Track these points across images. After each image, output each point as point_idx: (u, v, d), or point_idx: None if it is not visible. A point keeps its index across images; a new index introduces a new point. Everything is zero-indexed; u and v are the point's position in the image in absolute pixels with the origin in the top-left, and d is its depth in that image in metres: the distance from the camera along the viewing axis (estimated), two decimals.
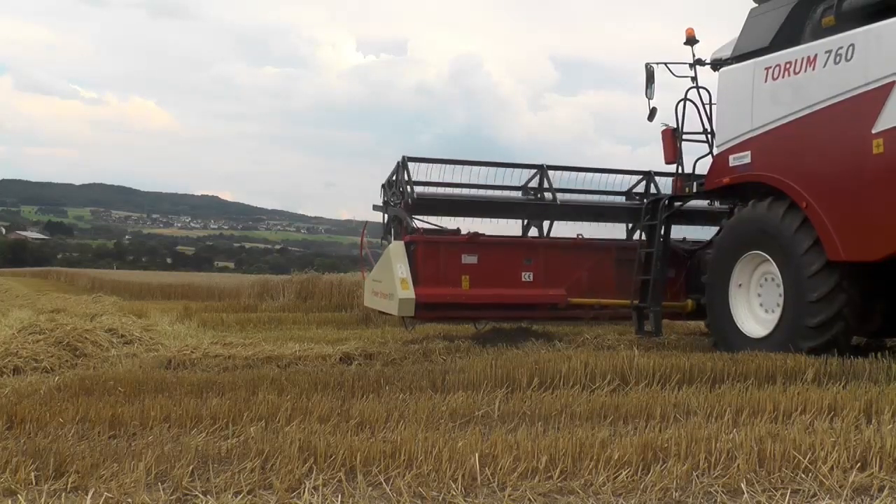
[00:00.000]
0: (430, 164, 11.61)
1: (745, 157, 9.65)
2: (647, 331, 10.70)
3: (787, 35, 9.39)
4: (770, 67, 9.37)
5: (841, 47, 8.57)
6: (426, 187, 11.67)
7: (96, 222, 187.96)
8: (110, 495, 3.69)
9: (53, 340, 9.59)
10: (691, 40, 10.64)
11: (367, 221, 13.85)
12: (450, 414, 5.66)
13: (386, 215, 12.09)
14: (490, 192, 12.09)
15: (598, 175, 12.56)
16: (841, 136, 8.57)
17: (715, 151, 10.29)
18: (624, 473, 4.02)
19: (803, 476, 4.01)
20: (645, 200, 11.80)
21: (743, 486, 3.87)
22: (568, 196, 12.22)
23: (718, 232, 10.94)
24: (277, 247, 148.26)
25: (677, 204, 11.05)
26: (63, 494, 3.76)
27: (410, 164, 11.48)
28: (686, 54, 10.81)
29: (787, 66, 9.16)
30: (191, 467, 4.09)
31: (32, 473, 3.99)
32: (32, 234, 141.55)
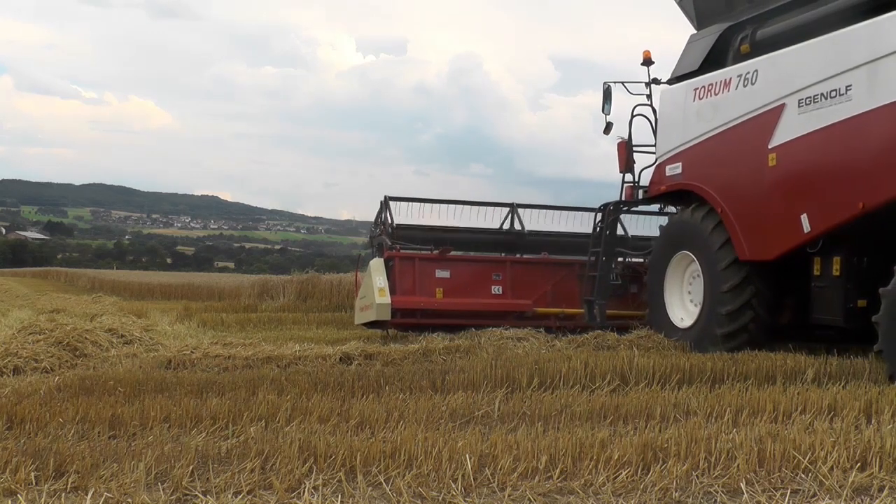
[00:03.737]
0: (411, 203, 13.30)
1: (677, 168, 10.84)
2: (595, 319, 11.76)
3: (714, 60, 10.40)
4: (698, 88, 10.50)
5: (748, 72, 9.71)
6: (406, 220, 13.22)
7: (96, 222, 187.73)
8: (110, 495, 3.70)
9: (53, 340, 9.57)
10: (647, 61, 11.69)
11: (360, 255, 15.85)
12: (450, 414, 5.66)
13: (373, 247, 13.50)
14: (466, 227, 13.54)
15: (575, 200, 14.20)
16: (747, 150, 9.67)
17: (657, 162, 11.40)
18: (624, 473, 4.02)
19: (803, 476, 4.01)
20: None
21: (743, 486, 3.87)
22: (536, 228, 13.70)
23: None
24: (277, 247, 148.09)
25: (623, 208, 12.27)
26: (63, 494, 3.76)
27: (392, 204, 13.10)
28: (657, 73, 11.79)
29: (710, 87, 10.30)
30: (191, 467, 4.09)
31: (32, 473, 3.99)
32: (32, 234, 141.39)
